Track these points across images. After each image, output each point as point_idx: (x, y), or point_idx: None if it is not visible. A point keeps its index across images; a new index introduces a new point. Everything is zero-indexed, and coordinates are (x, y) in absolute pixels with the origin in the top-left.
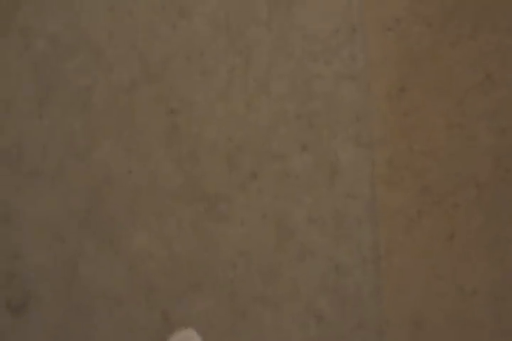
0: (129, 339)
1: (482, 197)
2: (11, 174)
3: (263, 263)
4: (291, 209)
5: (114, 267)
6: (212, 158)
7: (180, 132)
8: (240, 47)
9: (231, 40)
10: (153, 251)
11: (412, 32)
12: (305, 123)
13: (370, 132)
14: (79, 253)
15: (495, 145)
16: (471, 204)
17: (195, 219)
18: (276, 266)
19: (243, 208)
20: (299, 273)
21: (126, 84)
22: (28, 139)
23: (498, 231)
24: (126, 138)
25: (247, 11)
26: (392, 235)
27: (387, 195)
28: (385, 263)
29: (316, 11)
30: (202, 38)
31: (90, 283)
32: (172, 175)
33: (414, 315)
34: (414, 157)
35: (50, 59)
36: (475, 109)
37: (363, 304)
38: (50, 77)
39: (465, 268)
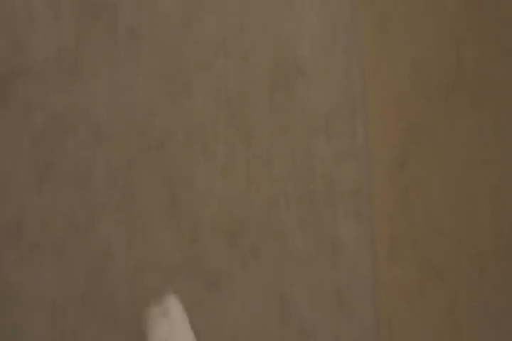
0: None
1: (484, 270)
2: (10, 249)
3: (264, 340)
4: (293, 286)
5: None
6: (213, 234)
7: (180, 208)
8: (240, 122)
9: (231, 115)
10: None
11: (413, 106)
12: (305, 200)
13: (370, 207)
14: (79, 328)
15: (495, 218)
16: (473, 277)
17: (195, 294)
18: None
19: (244, 285)
20: None
21: (125, 159)
22: (28, 214)
23: (501, 304)
24: (126, 213)
25: (248, 86)
26: (394, 309)
27: (389, 269)
28: (387, 337)
29: (316, 85)
30: (202, 113)
31: None
32: (173, 250)
33: None
34: (415, 231)
35: (49, 133)
36: (475, 182)
37: None
38: (50, 152)
39: None
